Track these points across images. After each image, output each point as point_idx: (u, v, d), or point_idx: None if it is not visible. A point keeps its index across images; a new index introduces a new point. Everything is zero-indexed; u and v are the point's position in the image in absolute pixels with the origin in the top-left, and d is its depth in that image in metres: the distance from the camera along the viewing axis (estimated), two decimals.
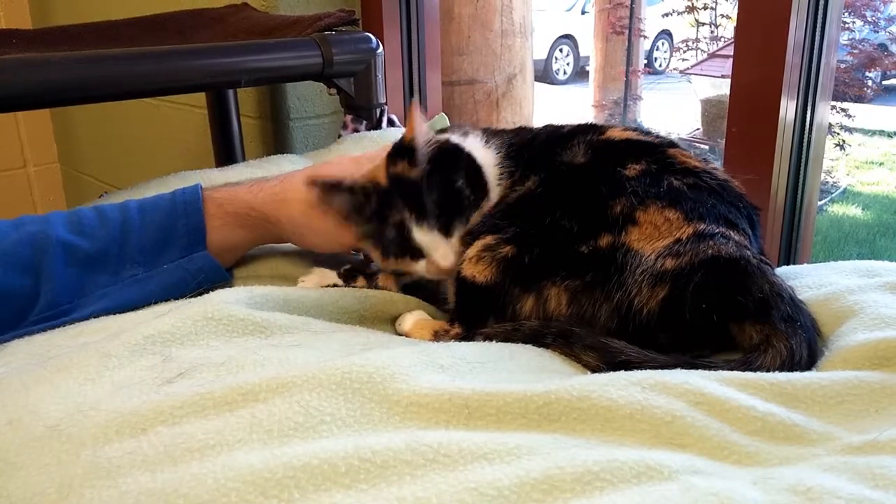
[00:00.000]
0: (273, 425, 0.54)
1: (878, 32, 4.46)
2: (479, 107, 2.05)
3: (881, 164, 4.62)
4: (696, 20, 5.26)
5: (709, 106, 4.64)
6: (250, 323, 0.72)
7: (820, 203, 3.79)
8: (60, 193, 2.52)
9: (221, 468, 0.49)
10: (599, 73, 5.56)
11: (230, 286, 0.83)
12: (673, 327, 0.70)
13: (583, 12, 7.44)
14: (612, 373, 0.61)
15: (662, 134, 0.87)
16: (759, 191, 1.09)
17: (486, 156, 0.86)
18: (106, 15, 1.48)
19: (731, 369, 0.64)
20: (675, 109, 5.70)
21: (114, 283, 0.85)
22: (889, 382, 0.60)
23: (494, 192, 0.85)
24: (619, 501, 0.45)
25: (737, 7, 1.11)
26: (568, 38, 7.22)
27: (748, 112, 1.10)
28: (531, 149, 0.87)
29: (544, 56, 7.00)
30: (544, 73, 6.95)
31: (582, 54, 6.98)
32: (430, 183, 0.81)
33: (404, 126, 1.47)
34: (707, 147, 4.25)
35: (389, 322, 0.86)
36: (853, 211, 4.05)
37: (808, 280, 0.83)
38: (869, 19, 4.38)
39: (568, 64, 7.33)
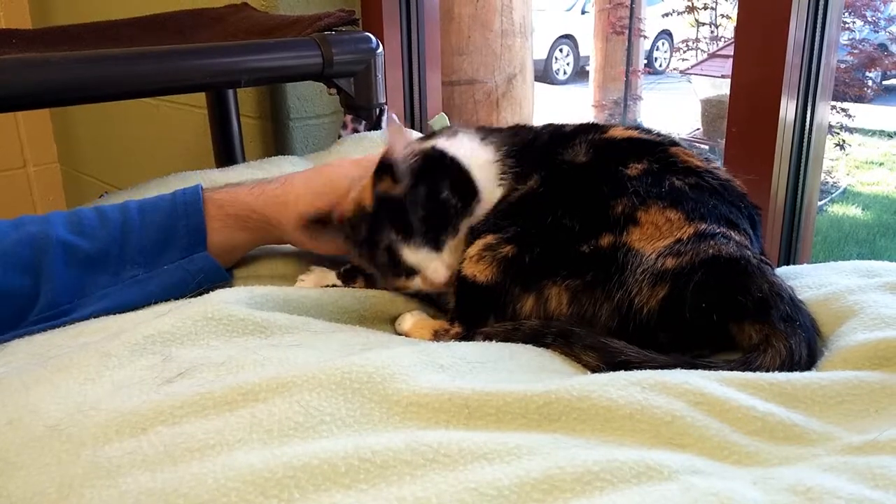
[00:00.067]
0: (273, 425, 0.54)
1: (878, 32, 4.46)
2: (479, 107, 2.05)
3: (881, 164, 4.62)
4: (696, 20, 5.26)
5: (709, 106, 4.64)
6: (250, 323, 0.72)
7: (820, 203, 3.79)
8: (60, 193, 2.52)
9: (221, 468, 0.49)
10: (599, 73, 5.57)
11: (230, 286, 0.83)
12: (673, 327, 0.70)
13: (583, 12, 7.44)
14: (612, 373, 0.61)
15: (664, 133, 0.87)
16: (759, 191, 1.09)
17: (481, 154, 0.86)
18: (106, 15, 1.48)
19: (731, 369, 0.64)
20: (675, 109, 5.70)
21: (114, 284, 0.85)
22: (889, 382, 0.60)
23: (497, 192, 0.84)
24: (619, 501, 0.45)
25: (737, 7, 1.11)
26: (568, 38, 7.23)
27: (748, 112, 1.10)
28: (533, 148, 0.87)
29: (544, 56, 7.00)
30: (544, 73, 6.95)
31: (582, 54, 6.99)
32: (414, 198, 0.80)
33: (405, 126, 1.48)
34: (707, 147, 4.25)
35: (389, 322, 0.86)
36: (853, 211, 4.06)
37: (808, 280, 0.83)
38: (869, 19, 4.38)
39: (568, 64, 7.34)
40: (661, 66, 6.98)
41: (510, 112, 2.11)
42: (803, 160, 1.10)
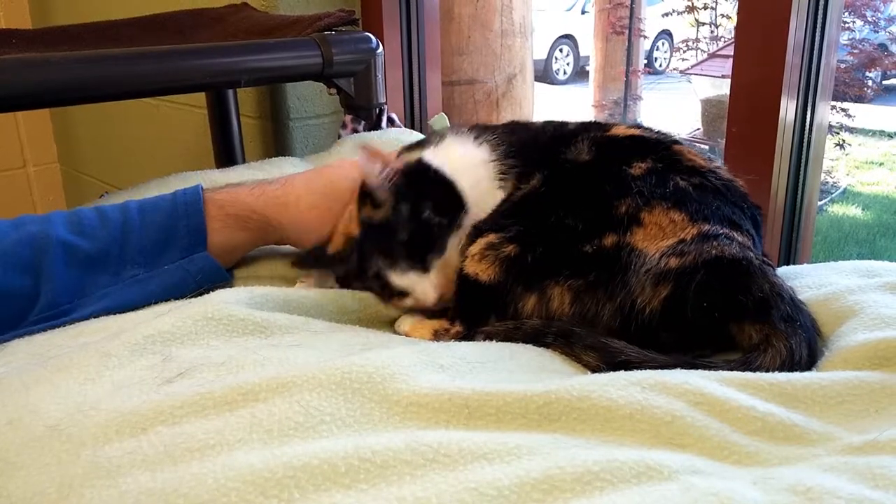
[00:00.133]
0: (273, 425, 0.54)
1: (878, 32, 4.47)
2: (479, 107, 2.05)
3: (881, 164, 4.62)
4: (696, 20, 5.26)
5: (709, 106, 4.65)
6: (250, 323, 0.72)
7: (820, 203, 3.79)
8: (60, 193, 2.52)
9: (221, 468, 0.49)
10: (599, 73, 5.57)
11: (230, 286, 0.83)
12: (675, 326, 0.70)
13: (583, 12, 7.44)
14: (612, 373, 0.61)
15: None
16: (759, 191, 1.09)
17: (475, 155, 0.86)
18: (106, 15, 1.48)
19: (731, 369, 0.64)
20: (675, 109, 5.70)
21: (114, 284, 0.85)
22: (889, 382, 0.60)
23: (497, 192, 0.84)
24: (619, 501, 0.45)
25: (737, 7, 1.11)
26: (568, 38, 7.23)
27: (748, 112, 1.11)
28: (535, 146, 0.86)
29: (544, 56, 7.01)
30: (544, 73, 6.95)
31: (582, 54, 6.99)
32: (397, 220, 0.81)
33: (404, 126, 1.48)
34: (707, 147, 4.25)
35: (389, 322, 0.86)
36: (853, 211, 4.06)
37: (808, 280, 0.83)
38: (869, 19, 4.39)
39: (568, 64, 7.34)
40: (661, 66, 6.98)
41: (510, 112, 2.11)
42: (803, 160, 1.10)
